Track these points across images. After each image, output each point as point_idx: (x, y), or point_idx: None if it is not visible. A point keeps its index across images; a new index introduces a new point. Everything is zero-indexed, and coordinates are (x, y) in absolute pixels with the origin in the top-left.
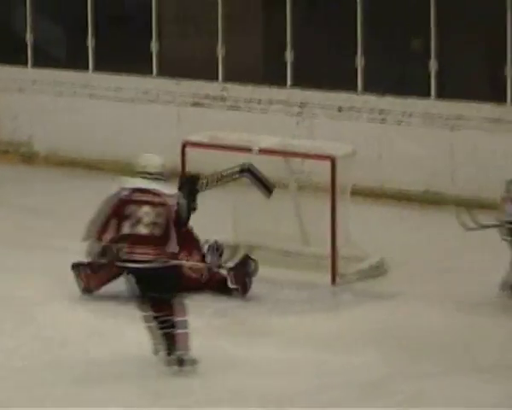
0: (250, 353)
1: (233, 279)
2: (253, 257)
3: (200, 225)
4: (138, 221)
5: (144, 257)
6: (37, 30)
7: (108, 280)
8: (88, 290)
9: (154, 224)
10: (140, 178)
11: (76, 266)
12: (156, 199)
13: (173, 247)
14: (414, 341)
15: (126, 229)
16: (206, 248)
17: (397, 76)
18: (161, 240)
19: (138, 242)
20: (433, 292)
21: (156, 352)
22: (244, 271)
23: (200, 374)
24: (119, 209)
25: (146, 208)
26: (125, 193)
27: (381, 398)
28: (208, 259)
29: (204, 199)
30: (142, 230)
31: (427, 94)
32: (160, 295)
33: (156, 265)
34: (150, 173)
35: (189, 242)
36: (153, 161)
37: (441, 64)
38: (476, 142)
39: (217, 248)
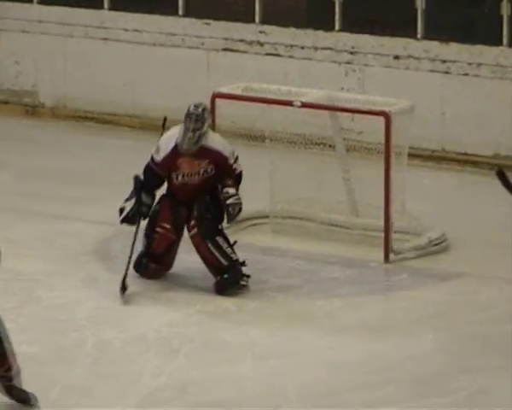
0: (288, 342)
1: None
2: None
3: None
4: None
5: None
6: None
7: None
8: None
9: None
10: None
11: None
12: None
13: None
14: (478, 329)
15: None
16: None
17: (463, 20)
18: None
19: None
20: (501, 273)
21: None
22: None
23: (229, 364)
24: None
25: None
26: None
27: (438, 395)
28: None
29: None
30: None
31: (498, 42)
32: None
33: None
34: None
35: None
36: None
37: None
38: None
39: None
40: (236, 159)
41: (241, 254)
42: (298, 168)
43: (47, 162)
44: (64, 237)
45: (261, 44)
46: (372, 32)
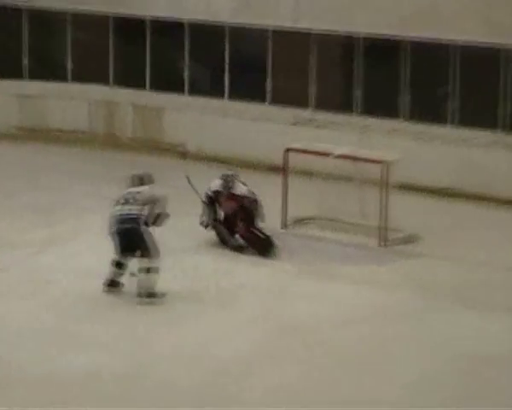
0: (323, 290)
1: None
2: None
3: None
4: None
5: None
6: (190, 66)
7: None
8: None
9: None
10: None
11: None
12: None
13: None
14: (437, 287)
15: None
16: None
17: (431, 106)
18: None
19: None
20: (450, 255)
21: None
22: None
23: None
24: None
25: None
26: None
27: (409, 323)
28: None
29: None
30: None
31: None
32: None
33: None
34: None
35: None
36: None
37: None
38: None
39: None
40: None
41: (297, 242)
42: (332, 192)
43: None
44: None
45: (312, 121)
46: (376, 115)
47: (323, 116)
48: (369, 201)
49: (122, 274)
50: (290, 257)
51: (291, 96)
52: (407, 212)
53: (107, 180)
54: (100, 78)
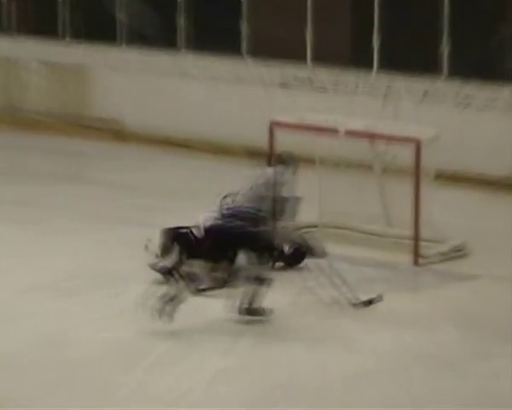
0: (330, 329)
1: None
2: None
3: None
4: None
5: None
6: (128, 9)
7: None
8: None
9: None
10: None
11: None
12: None
13: None
14: (494, 322)
15: None
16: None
17: (482, 61)
18: None
19: None
20: None
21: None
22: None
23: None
24: None
25: None
26: None
27: (458, 377)
28: None
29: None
30: None
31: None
32: None
33: None
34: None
35: None
36: None
37: None
38: None
39: None
40: None
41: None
42: (341, 186)
43: (134, 178)
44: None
45: (311, 82)
46: (405, 72)
47: (326, 75)
48: (396, 198)
49: None
50: (283, 283)
51: (278, 46)
52: (451, 213)
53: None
54: None
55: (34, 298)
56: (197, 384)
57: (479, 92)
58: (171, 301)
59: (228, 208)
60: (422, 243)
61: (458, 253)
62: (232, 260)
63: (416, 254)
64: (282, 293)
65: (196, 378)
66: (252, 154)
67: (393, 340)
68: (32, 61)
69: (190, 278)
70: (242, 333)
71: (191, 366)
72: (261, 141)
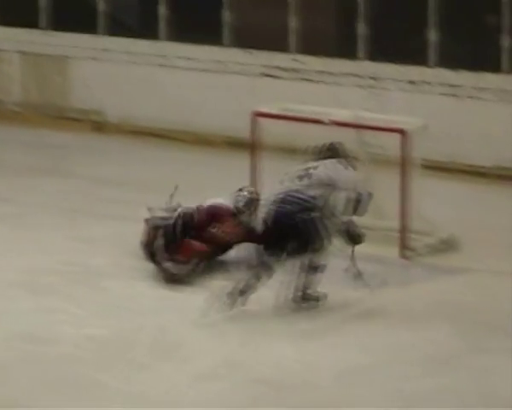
0: (315, 324)
1: None
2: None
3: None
4: None
5: None
6: None
7: None
8: None
9: None
10: None
11: None
12: None
13: None
14: (487, 315)
15: None
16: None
17: (470, 51)
18: None
19: None
20: (504, 268)
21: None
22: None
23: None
24: None
25: None
26: None
27: (452, 372)
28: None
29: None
30: None
31: (499, 69)
32: None
33: None
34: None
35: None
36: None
37: None
38: None
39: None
40: None
41: None
42: None
43: (113, 172)
44: (129, 236)
45: (296, 71)
46: (391, 61)
47: (311, 64)
48: (383, 189)
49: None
50: (273, 279)
51: (261, 34)
52: (440, 204)
53: None
54: None
55: (12, 295)
56: (183, 383)
57: (467, 82)
58: (244, 291)
59: (279, 194)
60: (411, 236)
61: (447, 245)
62: (283, 247)
63: (404, 247)
64: (270, 289)
65: (182, 376)
66: (234, 144)
67: (386, 335)
68: (10, 51)
69: (264, 268)
70: (230, 330)
71: (177, 363)
72: (245, 132)
